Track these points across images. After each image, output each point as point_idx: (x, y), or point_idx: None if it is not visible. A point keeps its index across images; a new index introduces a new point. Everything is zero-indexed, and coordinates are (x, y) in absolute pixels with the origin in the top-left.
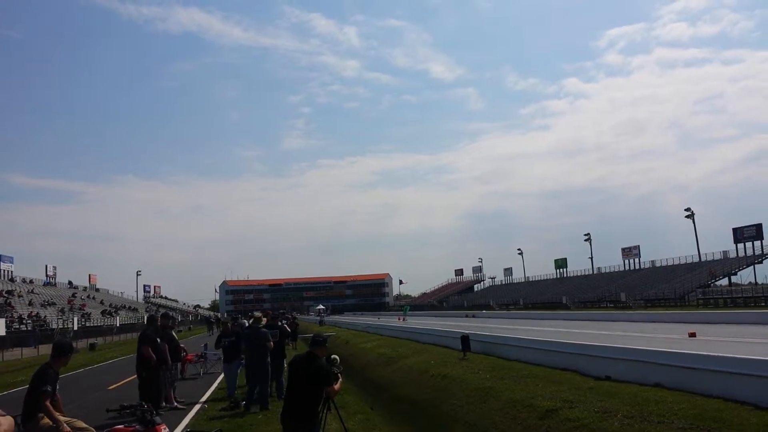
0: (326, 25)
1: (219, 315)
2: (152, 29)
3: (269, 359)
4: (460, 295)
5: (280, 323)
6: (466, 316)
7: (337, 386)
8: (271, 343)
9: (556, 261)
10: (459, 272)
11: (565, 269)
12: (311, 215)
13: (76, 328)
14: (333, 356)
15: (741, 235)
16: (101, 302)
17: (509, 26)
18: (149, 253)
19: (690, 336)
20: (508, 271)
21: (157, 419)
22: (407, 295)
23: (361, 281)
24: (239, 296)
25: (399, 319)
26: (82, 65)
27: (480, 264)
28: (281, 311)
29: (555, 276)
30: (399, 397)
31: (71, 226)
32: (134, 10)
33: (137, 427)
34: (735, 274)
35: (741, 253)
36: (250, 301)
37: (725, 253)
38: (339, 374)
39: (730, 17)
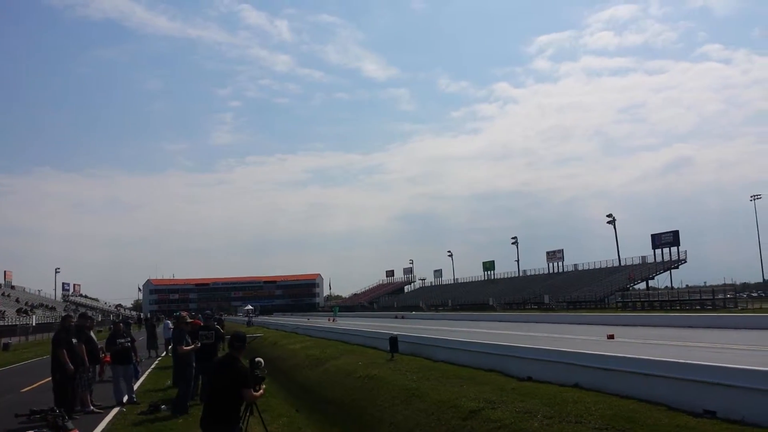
0: (257, 17)
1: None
2: (72, 15)
3: (193, 362)
4: (391, 296)
5: (216, 324)
6: (396, 317)
7: (259, 392)
8: (182, 347)
9: (484, 263)
10: (390, 273)
11: (492, 271)
12: (240, 213)
13: None
14: (257, 359)
15: (659, 241)
16: (17, 300)
17: (442, 28)
18: (69, 249)
19: (609, 338)
20: (438, 273)
21: (69, 424)
22: (338, 295)
23: (291, 281)
24: (164, 296)
25: (329, 320)
26: None
27: (411, 265)
28: (208, 312)
29: (483, 278)
30: (325, 399)
31: None
32: None
33: None
34: (653, 278)
35: (659, 259)
36: (176, 300)
37: (644, 258)
38: (263, 378)
39: (654, 28)
